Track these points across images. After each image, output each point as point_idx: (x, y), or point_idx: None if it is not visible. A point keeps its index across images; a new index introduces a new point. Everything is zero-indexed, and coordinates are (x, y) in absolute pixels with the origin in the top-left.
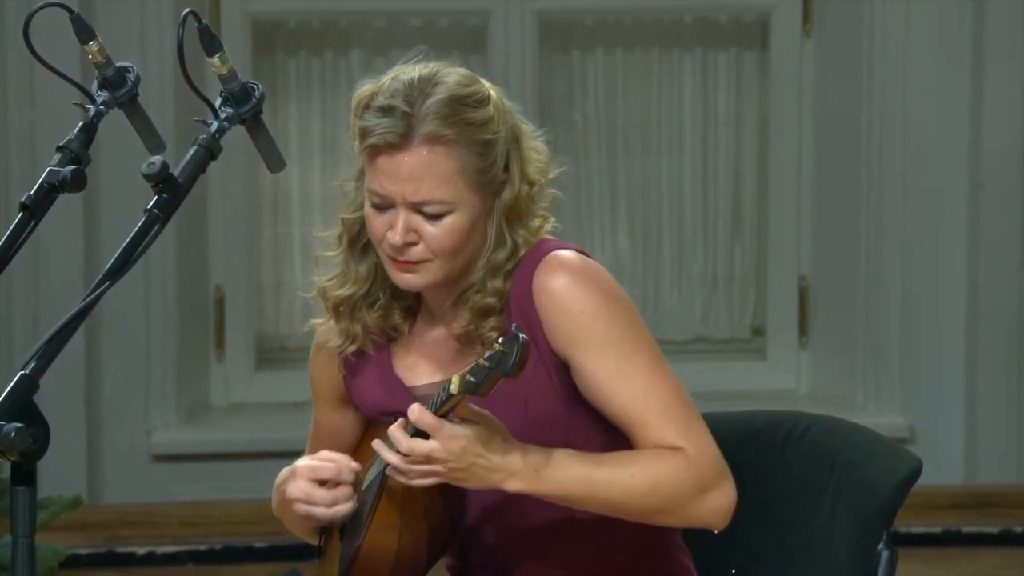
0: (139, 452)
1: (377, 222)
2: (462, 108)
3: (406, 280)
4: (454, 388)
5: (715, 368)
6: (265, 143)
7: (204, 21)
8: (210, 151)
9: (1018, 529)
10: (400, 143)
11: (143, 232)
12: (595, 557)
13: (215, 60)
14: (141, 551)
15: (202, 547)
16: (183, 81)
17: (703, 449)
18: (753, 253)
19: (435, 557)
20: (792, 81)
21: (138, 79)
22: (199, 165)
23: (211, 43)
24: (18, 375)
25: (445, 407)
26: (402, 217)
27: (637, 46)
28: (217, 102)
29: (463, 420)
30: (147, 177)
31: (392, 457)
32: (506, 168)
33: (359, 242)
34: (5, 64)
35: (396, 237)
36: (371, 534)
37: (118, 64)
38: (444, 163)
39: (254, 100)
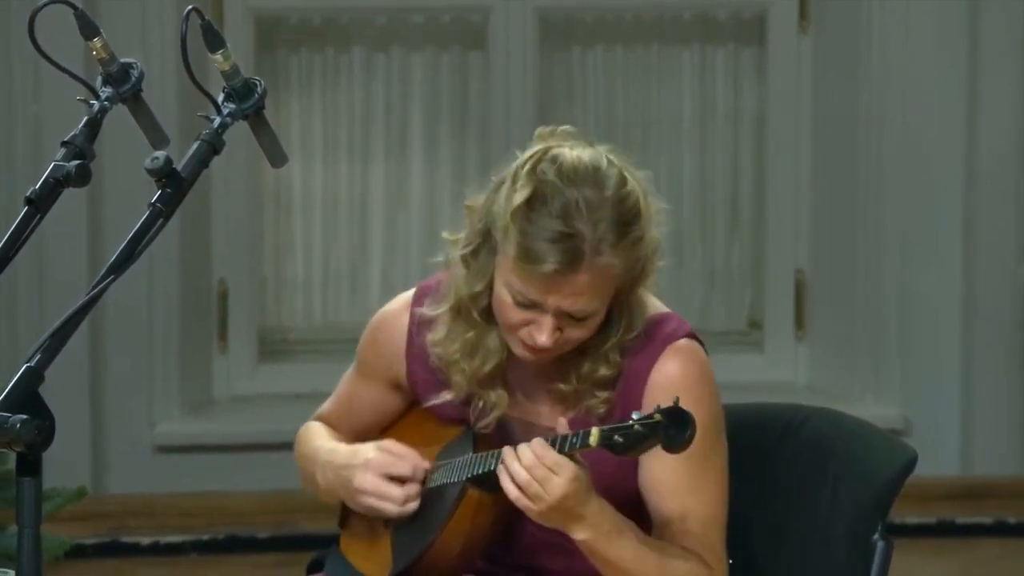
0: (143, 444)
1: (516, 315)
2: (627, 230)
3: (531, 358)
4: (593, 441)
5: (713, 361)
6: (267, 138)
7: (207, 18)
8: (213, 146)
9: (1012, 520)
10: (566, 271)
11: (147, 226)
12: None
13: (218, 56)
14: (145, 541)
15: (205, 537)
16: (186, 77)
17: (723, 573)
18: (751, 247)
19: (484, 555)
20: (789, 77)
21: (142, 75)
22: (202, 160)
23: (214, 39)
24: (23, 368)
25: (574, 452)
26: (550, 323)
27: (636, 42)
28: (220, 98)
29: (578, 462)
30: (151, 172)
31: (512, 474)
32: (650, 260)
33: (471, 312)
34: (10, 60)
35: (544, 340)
36: (443, 537)
37: (122, 60)
38: (606, 284)
39: (256, 96)
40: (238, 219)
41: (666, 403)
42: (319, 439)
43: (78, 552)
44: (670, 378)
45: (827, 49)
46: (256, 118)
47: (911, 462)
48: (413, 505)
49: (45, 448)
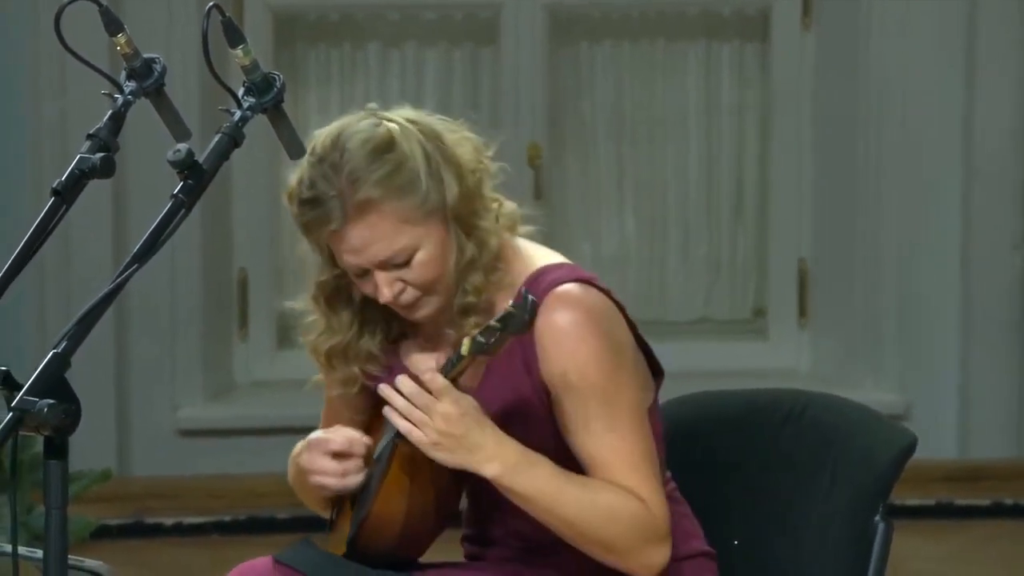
0: (166, 427)
1: (364, 286)
2: (374, 164)
3: (415, 317)
4: (464, 350)
5: (719, 348)
6: (286, 131)
7: (227, 14)
8: (233, 139)
9: (1008, 501)
10: (339, 226)
11: (169, 217)
12: None
13: (238, 52)
14: (168, 522)
15: (226, 518)
16: (207, 72)
17: (660, 507)
18: (754, 237)
19: (443, 522)
20: (792, 72)
21: (164, 70)
22: (223, 152)
23: (234, 35)
24: (50, 354)
25: (456, 370)
26: (380, 277)
27: (643, 38)
28: (240, 92)
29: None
30: (173, 164)
31: (396, 406)
32: (441, 182)
33: (336, 297)
34: (37, 56)
35: (386, 296)
36: (381, 499)
37: (145, 55)
38: (383, 222)
39: (275, 90)
40: (257, 210)
41: (556, 356)
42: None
43: (103, 532)
44: (554, 324)
45: (829, 45)
46: (275, 111)
47: (910, 446)
48: (353, 478)
49: (71, 432)
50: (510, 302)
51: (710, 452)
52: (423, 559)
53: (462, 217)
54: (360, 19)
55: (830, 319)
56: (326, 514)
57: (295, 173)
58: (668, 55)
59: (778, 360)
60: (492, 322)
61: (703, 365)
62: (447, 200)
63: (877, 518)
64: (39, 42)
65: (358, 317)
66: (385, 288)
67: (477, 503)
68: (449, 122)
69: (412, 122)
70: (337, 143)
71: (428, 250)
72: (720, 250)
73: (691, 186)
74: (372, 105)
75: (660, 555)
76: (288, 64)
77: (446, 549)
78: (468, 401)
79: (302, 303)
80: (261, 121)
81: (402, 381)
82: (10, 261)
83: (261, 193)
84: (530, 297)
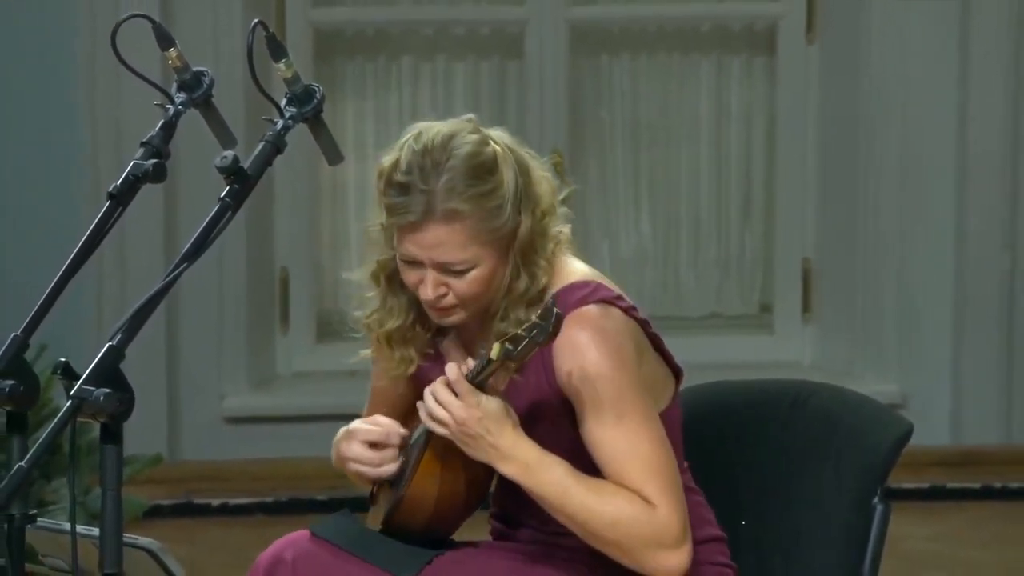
0: (213, 415)
1: (410, 275)
2: (475, 181)
3: (442, 320)
4: (494, 354)
5: (728, 341)
6: (325, 139)
7: (271, 30)
8: (276, 146)
9: (997, 484)
10: (420, 221)
11: (216, 219)
12: None
13: (281, 65)
14: (215, 503)
15: (269, 499)
16: (252, 84)
17: (672, 513)
18: (761, 237)
19: (474, 504)
20: (797, 83)
21: (212, 82)
22: (266, 159)
23: (277, 50)
24: (106, 346)
25: (484, 373)
26: (431, 276)
27: (659, 51)
28: (282, 102)
29: (492, 395)
30: (220, 170)
31: (424, 404)
32: (519, 212)
33: (396, 278)
34: (95, 69)
35: (428, 293)
36: (414, 483)
37: (195, 69)
38: (461, 234)
39: (315, 100)
40: (298, 212)
41: (566, 364)
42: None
43: (155, 512)
44: (570, 340)
45: (831, 57)
46: (315, 121)
47: (907, 433)
48: (389, 467)
49: (126, 419)
50: (536, 314)
51: (720, 439)
52: (454, 537)
53: (525, 252)
54: (394, 34)
55: (832, 314)
56: (367, 489)
57: (392, 154)
58: (682, 67)
59: (783, 353)
60: (520, 331)
61: (713, 357)
62: (519, 233)
63: (876, 500)
64: (97, 56)
65: (415, 303)
66: (430, 287)
67: (505, 485)
68: (536, 158)
69: (511, 150)
70: (447, 145)
71: (483, 269)
72: (729, 249)
73: (702, 189)
74: (472, 116)
75: (675, 558)
76: (327, 76)
77: (475, 527)
78: (490, 403)
79: (359, 276)
80: (302, 130)
81: (436, 383)
82: (70, 260)
83: (301, 197)
84: (555, 310)
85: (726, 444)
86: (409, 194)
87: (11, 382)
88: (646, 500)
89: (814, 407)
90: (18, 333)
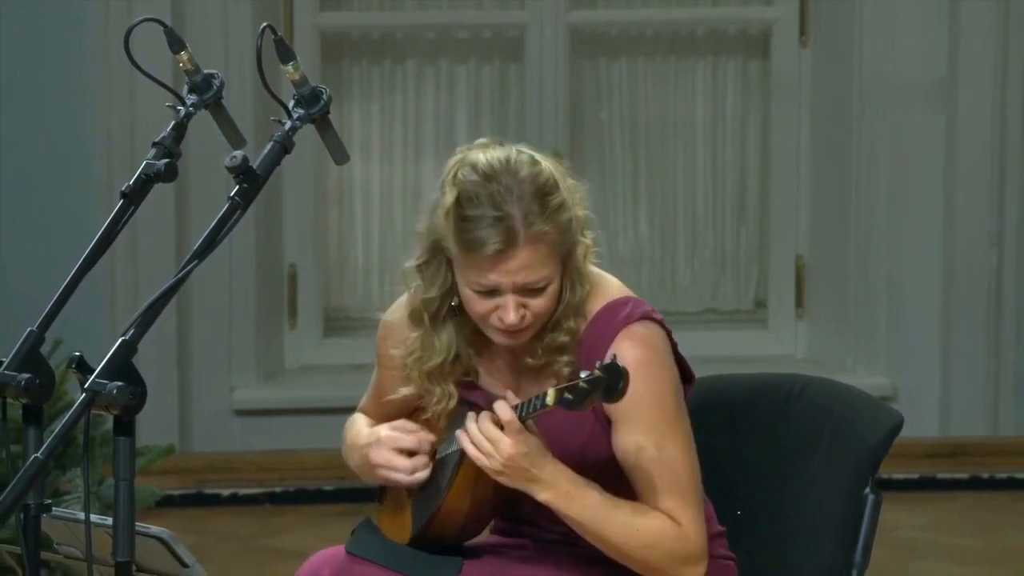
0: (223, 408)
1: (482, 304)
2: (547, 199)
3: (511, 342)
4: (550, 400)
5: (723, 336)
6: (331, 140)
7: (279, 34)
8: (284, 146)
9: (985, 475)
10: (505, 249)
11: (226, 217)
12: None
13: (289, 67)
14: (225, 493)
15: (277, 490)
16: (261, 86)
17: (697, 530)
18: (756, 235)
19: (501, 508)
20: (791, 85)
21: (222, 84)
22: (275, 159)
23: (285, 53)
24: (119, 341)
25: (535, 414)
26: (512, 301)
27: (656, 55)
28: (290, 104)
29: (533, 431)
30: (230, 169)
31: (469, 435)
32: (576, 228)
33: (438, 316)
34: (109, 72)
35: (511, 318)
36: (449, 498)
37: (205, 71)
38: (544, 251)
39: (322, 102)
40: (305, 211)
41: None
42: (354, 428)
43: (167, 502)
44: (626, 359)
45: (823, 61)
46: (322, 122)
47: (897, 425)
48: (422, 474)
49: (138, 411)
50: (598, 363)
51: (716, 431)
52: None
53: (577, 262)
54: (399, 38)
55: (824, 310)
56: (375, 483)
57: (447, 192)
58: (678, 70)
59: (777, 347)
60: (582, 383)
61: (709, 352)
62: (577, 247)
63: (867, 490)
64: (110, 59)
65: (455, 340)
66: (512, 311)
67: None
68: (563, 167)
69: (554, 166)
70: (508, 169)
71: (556, 283)
72: (725, 247)
73: (698, 189)
74: (487, 140)
75: (697, 572)
76: (334, 79)
77: None
78: (533, 441)
79: (399, 316)
80: (309, 130)
81: (482, 415)
82: (84, 257)
83: (309, 196)
84: (622, 366)
85: (722, 436)
86: (488, 226)
87: (27, 376)
88: (672, 518)
89: (807, 400)
90: (34, 328)
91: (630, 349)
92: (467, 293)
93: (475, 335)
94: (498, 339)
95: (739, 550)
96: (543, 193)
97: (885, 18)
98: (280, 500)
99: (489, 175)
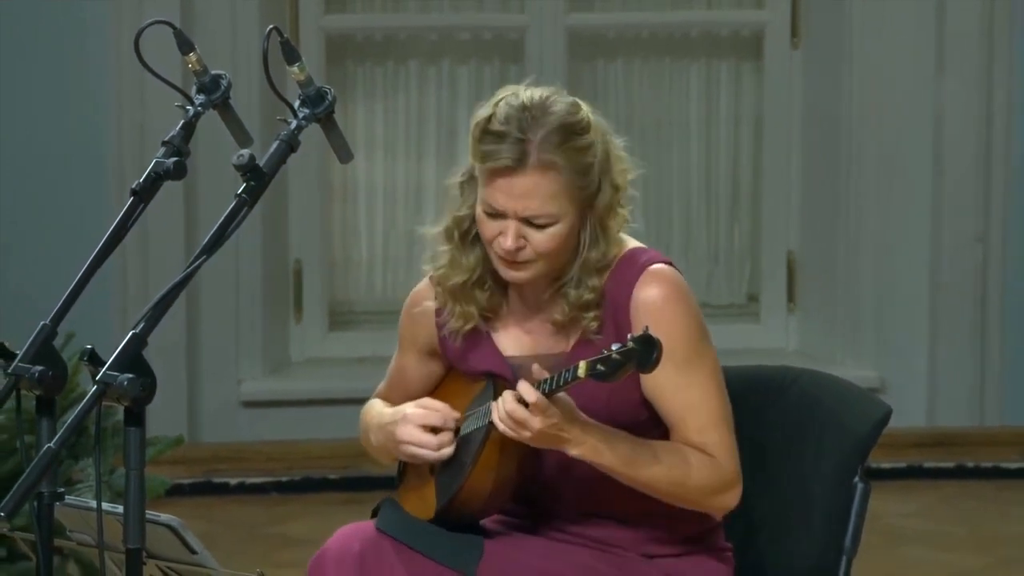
0: (231, 399)
1: (490, 226)
2: (570, 136)
3: (513, 276)
4: (582, 373)
5: (717, 330)
6: (336, 139)
7: (285, 36)
8: (290, 145)
9: (970, 464)
10: (516, 167)
11: (233, 214)
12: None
13: (294, 68)
14: (233, 482)
15: (284, 479)
16: (267, 86)
17: (731, 459)
18: (749, 232)
19: (523, 483)
20: (782, 86)
21: (230, 84)
22: (281, 157)
23: (291, 54)
24: (130, 334)
25: (566, 386)
26: (513, 227)
27: (651, 56)
28: (296, 104)
29: (560, 401)
30: (237, 167)
31: (499, 412)
32: (601, 177)
33: (468, 236)
34: (120, 72)
35: (508, 243)
36: (473, 476)
37: (213, 72)
38: (552, 185)
39: (327, 102)
40: (311, 208)
41: (640, 330)
42: (374, 410)
43: (176, 491)
44: (650, 298)
45: (815, 62)
46: (327, 121)
47: (886, 416)
48: (448, 450)
49: (148, 402)
50: (630, 335)
51: None
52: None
53: (602, 219)
54: (402, 39)
55: (815, 304)
56: (392, 466)
57: (487, 108)
58: (673, 71)
59: (769, 340)
60: (614, 354)
61: None
62: (598, 199)
63: (856, 479)
64: (121, 61)
65: (481, 264)
66: (511, 237)
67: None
68: (617, 139)
69: (600, 122)
70: (545, 103)
71: (563, 227)
72: (718, 243)
73: (693, 186)
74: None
75: (732, 497)
76: (338, 79)
77: None
78: (558, 412)
79: (432, 232)
80: (314, 129)
81: (508, 395)
82: (95, 253)
83: (314, 193)
84: (656, 337)
85: None
86: (505, 142)
87: (41, 368)
88: (704, 451)
89: (798, 392)
90: (47, 322)
91: (653, 288)
92: (479, 214)
93: (506, 291)
94: (501, 270)
95: (733, 538)
96: (567, 129)
97: (874, 20)
98: (286, 489)
99: (527, 105)
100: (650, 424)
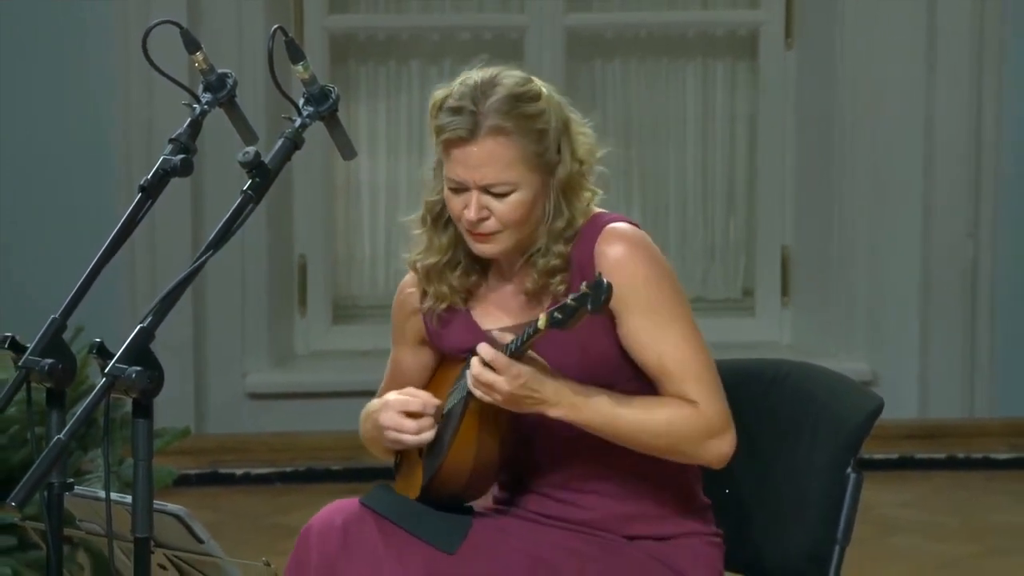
0: (237, 391)
1: (455, 202)
2: (519, 104)
3: (482, 249)
4: (541, 324)
5: (712, 323)
6: (339, 136)
7: (290, 35)
8: (295, 143)
9: (961, 455)
10: (469, 136)
11: (239, 210)
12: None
13: (299, 67)
14: (238, 472)
15: (288, 469)
16: (272, 84)
17: (714, 404)
18: (744, 227)
19: (507, 461)
20: (777, 84)
21: (235, 83)
22: (285, 154)
23: (295, 53)
24: (138, 328)
25: (530, 342)
26: (475, 197)
27: (649, 56)
28: (300, 102)
29: (529, 358)
30: (243, 165)
31: (469, 379)
32: (559, 151)
33: (440, 219)
34: (128, 71)
35: (471, 214)
36: (453, 450)
37: (219, 71)
38: (506, 151)
39: (331, 100)
40: (315, 204)
41: (614, 275)
42: (368, 408)
43: (183, 481)
44: (611, 252)
45: (808, 61)
46: (330, 119)
47: (878, 408)
48: (428, 434)
49: (156, 395)
50: (584, 282)
51: None
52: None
53: (565, 190)
54: (404, 39)
55: (809, 298)
56: (390, 460)
57: (444, 90)
58: (670, 70)
59: (763, 334)
60: (569, 300)
61: None
62: (558, 170)
63: (849, 470)
64: (129, 60)
65: (454, 246)
66: (473, 208)
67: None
68: (579, 117)
69: (555, 97)
70: (494, 78)
71: (525, 194)
72: (714, 238)
73: (689, 183)
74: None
75: (725, 444)
76: (342, 78)
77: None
78: (527, 369)
79: (412, 220)
80: (318, 127)
81: (474, 361)
82: (104, 248)
83: (318, 190)
84: (605, 280)
85: None
86: (459, 114)
87: (50, 361)
88: (686, 399)
89: (792, 384)
90: (56, 316)
91: (614, 243)
92: (446, 193)
93: (482, 270)
94: (472, 244)
95: (727, 527)
96: (516, 97)
97: (866, 20)
98: (290, 479)
99: (478, 82)
100: (632, 383)
